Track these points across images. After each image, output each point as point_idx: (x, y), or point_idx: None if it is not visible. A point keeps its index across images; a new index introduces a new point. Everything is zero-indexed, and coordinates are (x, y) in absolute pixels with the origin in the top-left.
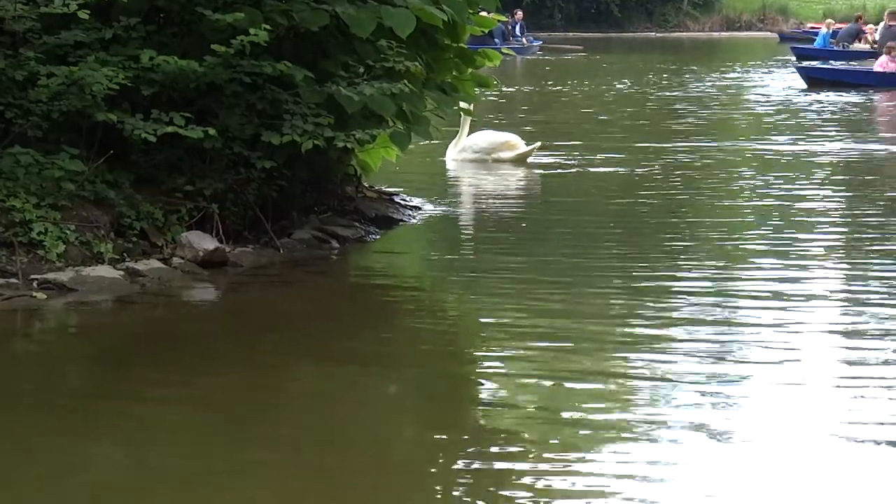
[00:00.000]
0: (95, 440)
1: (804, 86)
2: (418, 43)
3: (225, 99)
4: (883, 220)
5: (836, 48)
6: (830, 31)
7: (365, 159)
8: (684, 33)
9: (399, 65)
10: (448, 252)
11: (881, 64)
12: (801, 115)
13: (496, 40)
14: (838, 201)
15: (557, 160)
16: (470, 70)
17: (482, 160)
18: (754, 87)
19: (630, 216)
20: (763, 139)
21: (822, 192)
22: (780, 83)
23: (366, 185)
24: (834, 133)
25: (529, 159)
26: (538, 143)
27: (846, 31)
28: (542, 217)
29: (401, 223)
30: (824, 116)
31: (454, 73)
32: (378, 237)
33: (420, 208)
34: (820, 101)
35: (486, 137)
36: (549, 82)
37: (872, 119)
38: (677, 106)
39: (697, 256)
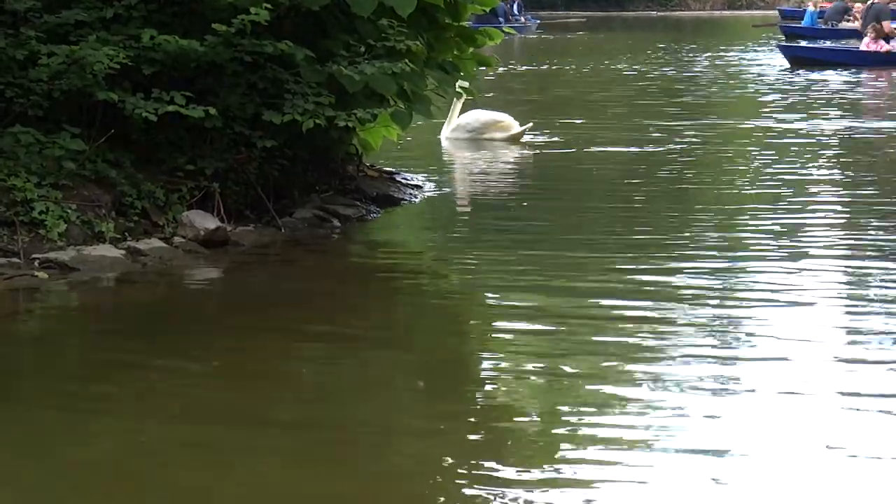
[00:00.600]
0: (95, 418)
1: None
2: (419, 22)
3: (226, 78)
4: (883, 199)
5: (823, 27)
6: (817, 9)
7: (366, 138)
8: (686, 12)
9: (400, 44)
10: (449, 231)
11: (866, 44)
12: (794, 94)
13: (500, 19)
14: (839, 181)
15: (555, 139)
16: (471, 49)
17: (474, 139)
18: (747, 66)
19: (630, 196)
20: (758, 118)
21: (822, 172)
22: (772, 62)
23: (367, 164)
24: (827, 112)
25: (524, 138)
26: (530, 124)
27: (833, 10)
28: (542, 197)
29: (402, 202)
30: (816, 96)
31: (455, 52)
32: (379, 216)
33: (421, 187)
34: (808, 81)
35: (478, 117)
36: (547, 61)
37: (864, 98)
38: (672, 85)
39: (699, 239)
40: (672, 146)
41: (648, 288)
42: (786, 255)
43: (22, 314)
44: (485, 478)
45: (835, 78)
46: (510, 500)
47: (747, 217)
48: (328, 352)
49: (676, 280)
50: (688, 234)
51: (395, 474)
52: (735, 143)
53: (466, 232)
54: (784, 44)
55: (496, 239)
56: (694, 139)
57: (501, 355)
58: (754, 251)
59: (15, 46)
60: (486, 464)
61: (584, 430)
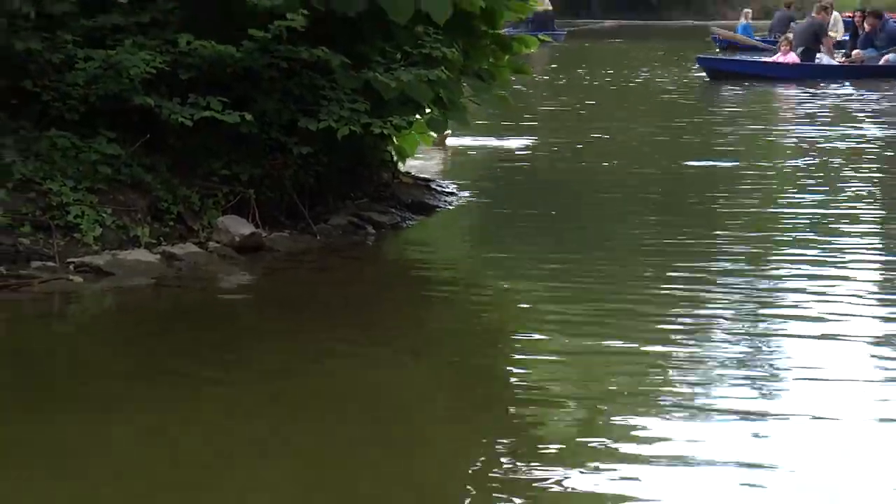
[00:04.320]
0: (126, 423)
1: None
2: (455, 29)
3: (262, 84)
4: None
5: (757, 38)
6: (748, 21)
7: (401, 145)
8: (723, 21)
9: (436, 51)
10: (484, 240)
11: (777, 57)
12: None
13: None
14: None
15: (584, 147)
16: (507, 57)
17: None
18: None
19: (662, 207)
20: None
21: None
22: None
23: (401, 170)
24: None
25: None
26: (449, 131)
27: (777, 20)
28: (575, 206)
29: (437, 210)
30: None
31: (491, 60)
32: (414, 224)
33: (456, 195)
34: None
35: None
36: (570, 72)
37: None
38: (676, 95)
39: (733, 241)
40: (700, 161)
41: (685, 299)
42: (818, 254)
43: (56, 318)
44: (521, 478)
45: (769, 90)
46: None
47: (781, 227)
48: (360, 359)
49: (713, 290)
50: (718, 243)
51: (427, 478)
52: (748, 154)
53: (501, 240)
54: (702, 56)
55: (531, 248)
56: (720, 153)
57: (536, 368)
58: (789, 253)
59: (52, 50)
60: (522, 465)
61: (619, 450)
